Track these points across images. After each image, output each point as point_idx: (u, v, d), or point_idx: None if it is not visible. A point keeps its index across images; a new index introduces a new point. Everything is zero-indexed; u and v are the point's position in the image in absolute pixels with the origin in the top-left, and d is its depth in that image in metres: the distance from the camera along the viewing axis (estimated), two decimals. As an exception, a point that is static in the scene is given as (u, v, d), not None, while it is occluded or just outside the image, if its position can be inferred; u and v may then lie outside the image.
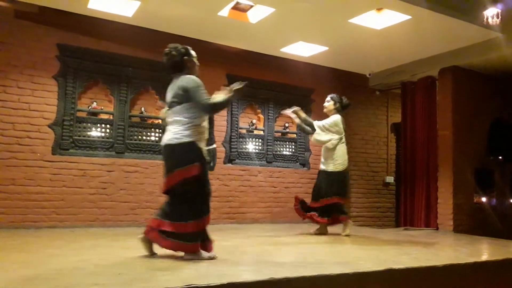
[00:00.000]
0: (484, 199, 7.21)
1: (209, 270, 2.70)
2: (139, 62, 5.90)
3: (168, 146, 3.08)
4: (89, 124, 5.64)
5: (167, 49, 3.23)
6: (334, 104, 5.21)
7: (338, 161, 5.08)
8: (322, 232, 5.13)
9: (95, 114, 5.71)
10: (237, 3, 5.24)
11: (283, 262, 3.08)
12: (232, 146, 6.59)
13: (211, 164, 4.92)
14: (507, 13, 5.09)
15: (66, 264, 2.82)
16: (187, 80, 3.11)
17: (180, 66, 3.20)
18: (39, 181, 5.21)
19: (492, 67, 6.63)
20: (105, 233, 4.77)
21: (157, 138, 6.06)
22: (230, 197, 6.44)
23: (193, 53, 3.28)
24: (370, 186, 7.97)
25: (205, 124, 3.22)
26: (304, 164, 7.29)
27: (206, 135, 3.26)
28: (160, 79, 6.07)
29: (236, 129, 6.66)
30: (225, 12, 5.37)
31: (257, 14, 5.47)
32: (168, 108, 3.21)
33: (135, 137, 5.90)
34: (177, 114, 3.09)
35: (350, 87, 7.83)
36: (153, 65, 5.95)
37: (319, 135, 5.15)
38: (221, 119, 6.45)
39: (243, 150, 6.75)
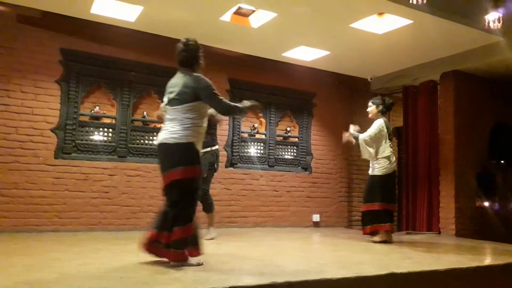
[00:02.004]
0: (486, 203, 7.19)
1: (210, 274, 2.70)
2: (142, 67, 5.93)
3: (164, 145, 2.98)
4: (91, 128, 5.65)
5: (184, 40, 3.15)
6: (377, 107, 5.15)
7: (382, 164, 4.96)
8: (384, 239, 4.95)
9: (97, 118, 5.73)
10: (239, 8, 5.26)
11: (285, 266, 3.07)
12: (234, 150, 6.60)
13: (215, 165, 4.92)
14: (509, 17, 5.10)
15: (68, 268, 2.82)
16: (198, 79, 3.03)
17: (192, 62, 3.13)
18: (41, 185, 5.22)
19: (493, 71, 6.63)
20: (107, 237, 4.78)
21: (159, 142, 6.07)
22: (231, 201, 6.44)
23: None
24: (372, 190, 7.95)
25: (205, 125, 3.14)
26: (306, 168, 7.29)
27: (203, 138, 3.16)
28: (162, 83, 6.10)
29: (238, 133, 6.67)
30: (227, 17, 5.40)
31: (259, 19, 5.49)
32: (167, 104, 3.09)
33: (138, 141, 5.91)
34: (178, 113, 2.98)
35: (352, 91, 7.86)
36: (155, 69, 5.98)
37: (364, 154, 5.06)
38: (223, 122, 6.45)
39: (245, 154, 6.76)
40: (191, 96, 2.98)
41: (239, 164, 6.63)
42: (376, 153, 4.98)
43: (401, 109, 7.85)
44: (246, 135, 6.79)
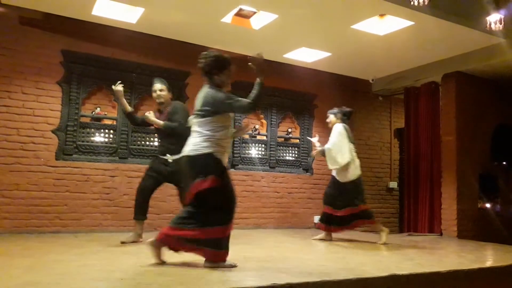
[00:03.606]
0: (488, 205, 7.17)
1: (212, 275, 2.70)
2: (143, 68, 5.93)
3: (187, 158, 3.09)
4: (92, 130, 5.66)
5: (203, 53, 3.21)
6: (335, 115, 5.21)
7: (349, 170, 4.99)
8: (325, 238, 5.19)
9: (98, 119, 5.74)
10: (240, 9, 5.27)
11: (286, 268, 3.07)
12: (235, 151, 6.60)
13: None
14: (510, 18, 5.10)
15: (69, 269, 2.82)
16: (213, 95, 3.10)
17: (208, 74, 3.19)
18: (42, 186, 5.22)
19: (495, 73, 6.63)
20: (108, 238, 4.77)
21: (160, 144, 6.07)
22: (233, 203, 6.42)
23: (229, 65, 3.25)
24: (374, 192, 7.95)
25: (228, 135, 3.16)
26: (307, 169, 7.28)
27: (229, 149, 3.22)
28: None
29: (239, 134, 6.66)
30: (228, 18, 5.40)
31: (260, 20, 5.49)
32: (193, 116, 3.20)
33: (139, 142, 5.91)
34: (199, 127, 3.10)
35: (353, 93, 7.85)
36: (156, 71, 5.97)
37: (331, 163, 5.07)
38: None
39: (246, 155, 6.75)
40: (208, 112, 3.08)
41: (240, 166, 6.62)
42: (342, 159, 4.93)
43: (402, 111, 7.85)
44: (247, 136, 6.79)
